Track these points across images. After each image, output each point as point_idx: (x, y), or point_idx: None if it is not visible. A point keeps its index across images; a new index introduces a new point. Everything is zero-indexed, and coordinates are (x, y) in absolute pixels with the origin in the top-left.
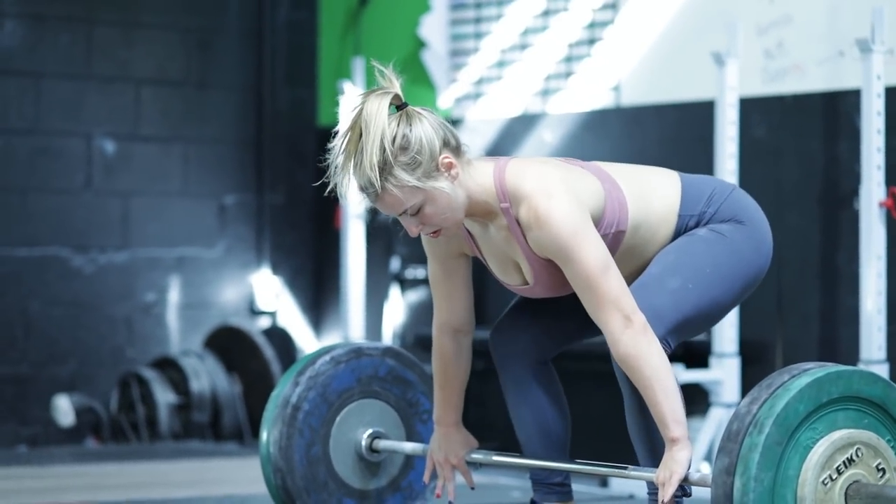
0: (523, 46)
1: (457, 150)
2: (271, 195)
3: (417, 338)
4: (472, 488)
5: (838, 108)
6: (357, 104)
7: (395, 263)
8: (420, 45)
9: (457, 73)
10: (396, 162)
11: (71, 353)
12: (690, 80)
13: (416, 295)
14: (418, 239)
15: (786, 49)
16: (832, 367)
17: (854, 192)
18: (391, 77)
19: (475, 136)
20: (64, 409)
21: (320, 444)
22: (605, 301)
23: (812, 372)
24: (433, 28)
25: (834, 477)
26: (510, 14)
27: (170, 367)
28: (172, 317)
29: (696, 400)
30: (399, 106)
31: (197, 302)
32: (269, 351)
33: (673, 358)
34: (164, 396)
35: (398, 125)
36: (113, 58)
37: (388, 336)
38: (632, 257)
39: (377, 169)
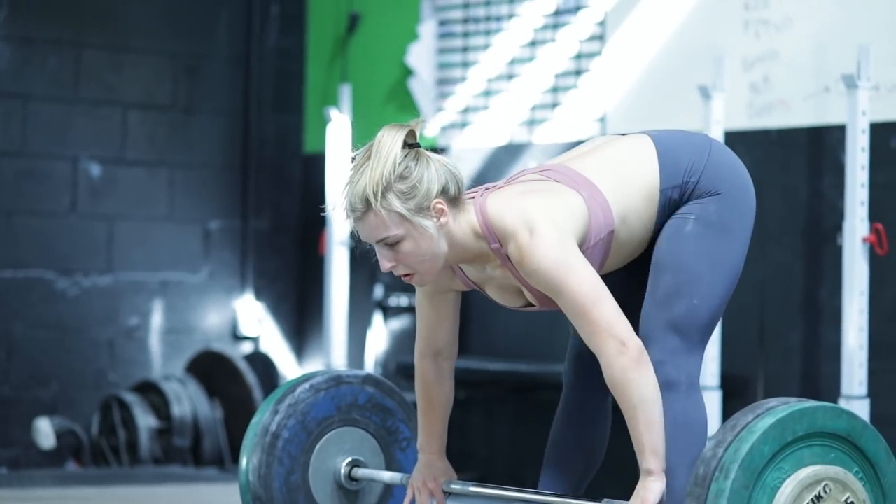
0: (510, 76)
1: (454, 200)
2: (256, 221)
3: (399, 365)
4: None
5: (823, 144)
6: (376, 135)
7: (378, 291)
8: (407, 72)
9: (443, 102)
10: (393, 187)
11: (53, 375)
12: (676, 112)
13: (398, 323)
14: None
15: (772, 84)
16: (796, 405)
17: (837, 227)
18: (417, 122)
19: (461, 165)
20: (45, 431)
21: (299, 473)
22: (598, 329)
23: (775, 411)
24: (420, 56)
25: None
26: (497, 44)
27: (151, 392)
28: (155, 341)
29: None
30: (412, 144)
31: (180, 326)
32: (251, 377)
33: None
34: (146, 421)
35: (405, 157)
36: (100, 81)
37: (370, 363)
38: (626, 243)
39: (373, 186)
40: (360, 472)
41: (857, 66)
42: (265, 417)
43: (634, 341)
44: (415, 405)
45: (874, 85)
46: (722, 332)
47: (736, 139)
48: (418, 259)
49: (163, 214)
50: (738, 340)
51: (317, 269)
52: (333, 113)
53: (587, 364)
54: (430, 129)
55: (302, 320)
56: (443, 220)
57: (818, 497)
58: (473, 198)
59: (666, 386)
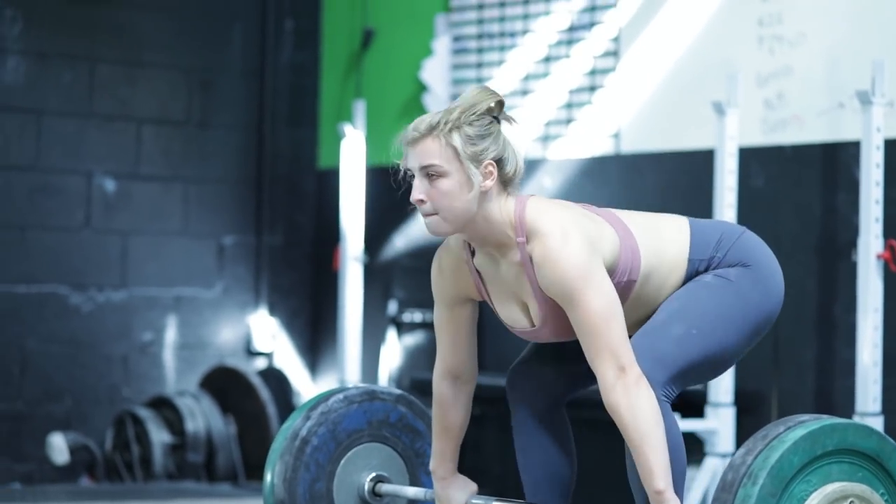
0: (524, 92)
1: (506, 177)
2: (270, 236)
3: (413, 381)
4: None
5: (837, 160)
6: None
7: (392, 306)
8: (421, 88)
9: None
10: (461, 129)
11: (67, 390)
12: (690, 128)
13: (412, 339)
14: (417, 283)
15: (786, 100)
16: (827, 420)
17: (852, 243)
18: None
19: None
20: (59, 447)
21: (325, 481)
22: (603, 348)
23: (807, 424)
24: (434, 72)
25: None
26: (512, 59)
27: (165, 407)
28: (169, 356)
29: (690, 450)
30: (494, 115)
31: (194, 342)
32: (264, 392)
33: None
34: (159, 436)
35: (484, 115)
36: (114, 96)
37: (384, 379)
38: (641, 305)
39: (444, 118)
40: (384, 488)
41: (871, 81)
42: (296, 423)
43: (635, 368)
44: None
45: (889, 101)
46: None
47: (750, 155)
48: (448, 202)
49: (177, 229)
50: (752, 357)
51: (331, 285)
52: (347, 128)
53: (527, 381)
54: None
55: (316, 336)
56: (487, 182)
57: None
58: (518, 195)
59: None
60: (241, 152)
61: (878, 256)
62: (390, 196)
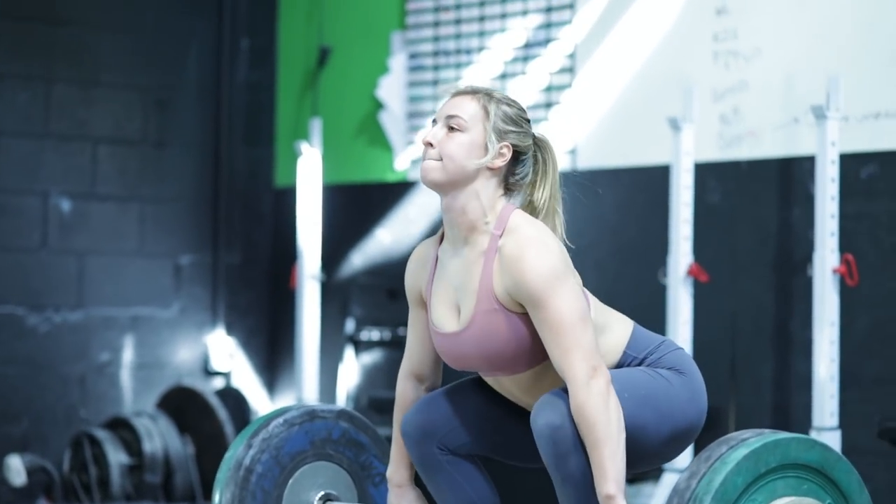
0: None
1: (514, 176)
2: (227, 255)
3: (371, 400)
4: None
5: (793, 175)
6: None
7: (350, 325)
8: (378, 105)
9: (413, 135)
10: (502, 106)
11: (24, 412)
12: (646, 144)
13: (370, 357)
14: (375, 301)
15: (741, 115)
16: (770, 436)
17: (808, 258)
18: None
19: (432, 198)
20: (16, 468)
21: None
22: (575, 348)
23: (749, 443)
24: (391, 89)
25: None
26: (468, 76)
27: (123, 428)
28: (126, 377)
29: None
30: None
31: (151, 362)
32: (222, 412)
33: None
34: (117, 457)
35: (526, 116)
36: (70, 116)
37: (342, 398)
38: (553, 376)
39: (496, 90)
40: None
41: (826, 96)
42: (239, 452)
43: (605, 371)
44: (388, 440)
45: (843, 116)
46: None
47: (706, 171)
48: (455, 153)
49: (134, 249)
50: (709, 372)
51: (288, 303)
52: (304, 146)
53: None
54: (400, 163)
55: (273, 355)
56: (497, 161)
57: None
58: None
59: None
60: (197, 171)
61: (834, 271)
62: (347, 214)
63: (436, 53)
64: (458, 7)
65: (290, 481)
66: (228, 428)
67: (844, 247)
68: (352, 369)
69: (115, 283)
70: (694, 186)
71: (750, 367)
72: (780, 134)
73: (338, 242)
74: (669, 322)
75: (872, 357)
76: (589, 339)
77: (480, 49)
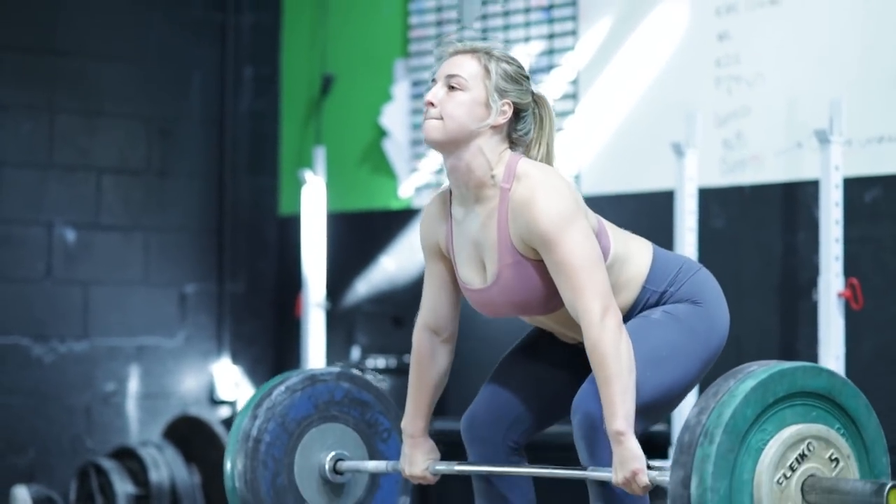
0: None
1: (516, 132)
2: (232, 284)
3: None
4: None
5: (797, 199)
6: None
7: (355, 353)
8: (381, 133)
9: (417, 162)
10: (502, 64)
11: (30, 442)
12: (650, 170)
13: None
14: (380, 329)
15: (745, 140)
16: (775, 367)
17: (813, 282)
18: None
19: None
20: (22, 499)
21: (285, 474)
22: (588, 288)
23: (756, 374)
24: (394, 117)
25: (788, 475)
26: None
27: (129, 458)
28: (132, 406)
29: (655, 492)
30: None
31: (157, 391)
32: None
33: None
34: (123, 487)
35: (525, 73)
36: (74, 146)
37: None
38: None
39: (495, 47)
40: (344, 465)
41: (829, 121)
42: (245, 423)
43: (619, 313)
44: (394, 397)
45: (847, 140)
46: (699, 387)
47: (710, 196)
48: (456, 112)
49: (138, 279)
50: None
51: (293, 332)
52: (308, 175)
53: (484, 424)
54: (404, 190)
55: None
56: (498, 118)
57: (802, 455)
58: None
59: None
60: (201, 200)
61: (839, 295)
62: (352, 242)
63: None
64: (460, 34)
65: (300, 446)
66: None
67: (849, 271)
68: None
69: (120, 312)
70: (698, 212)
71: None
72: (783, 158)
73: (342, 270)
74: None
75: (878, 380)
76: (601, 279)
77: None
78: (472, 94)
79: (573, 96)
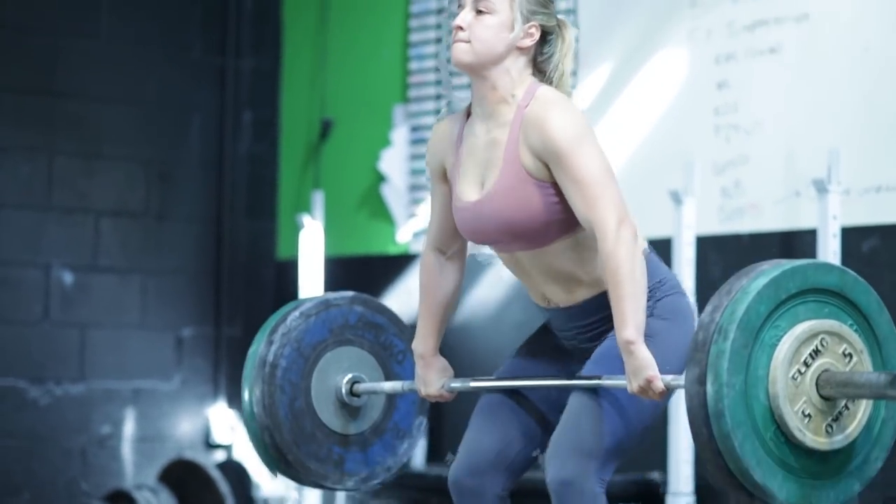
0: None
1: (541, 56)
2: (229, 328)
3: None
4: None
5: (794, 248)
6: None
7: None
8: (380, 178)
9: (416, 208)
10: None
11: (25, 485)
12: (648, 217)
13: None
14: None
15: (743, 188)
16: (787, 264)
17: None
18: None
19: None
20: None
21: (302, 398)
22: (604, 199)
23: (767, 272)
24: (393, 162)
25: (803, 370)
26: None
27: (124, 501)
28: (127, 449)
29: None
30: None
31: (152, 435)
32: (224, 485)
33: (628, 498)
34: None
35: None
36: (73, 188)
37: None
38: (566, 260)
39: None
40: (361, 387)
41: (827, 170)
42: (261, 349)
43: (632, 222)
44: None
45: (845, 189)
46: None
47: (707, 244)
48: (485, 35)
49: (135, 322)
50: None
51: None
52: (306, 219)
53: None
54: (402, 235)
55: None
56: (525, 41)
57: (816, 351)
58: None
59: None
60: (199, 243)
61: None
62: (349, 286)
63: None
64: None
65: (315, 370)
66: (230, 502)
67: None
68: None
69: (117, 355)
70: (695, 259)
71: None
72: (781, 207)
73: None
74: (673, 398)
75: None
76: (615, 191)
77: None
78: (500, 17)
79: None
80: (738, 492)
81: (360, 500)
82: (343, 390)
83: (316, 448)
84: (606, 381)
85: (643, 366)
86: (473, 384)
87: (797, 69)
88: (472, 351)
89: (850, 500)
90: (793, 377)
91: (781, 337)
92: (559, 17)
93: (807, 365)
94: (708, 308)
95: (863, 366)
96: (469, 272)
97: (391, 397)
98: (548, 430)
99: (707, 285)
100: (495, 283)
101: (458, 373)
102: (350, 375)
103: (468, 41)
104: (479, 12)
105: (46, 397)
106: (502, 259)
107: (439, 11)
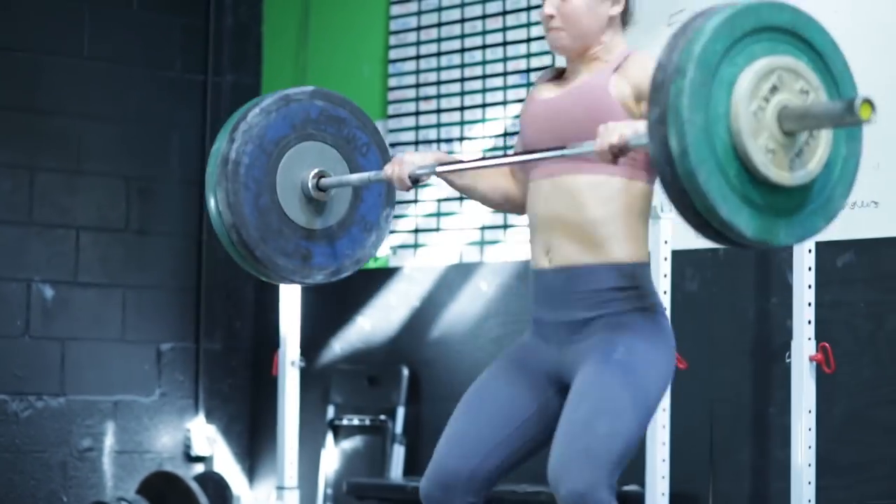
0: (461, 198)
1: (627, 14)
2: (208, 342)
3: (350, 485)
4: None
5: (770, 263)
6: None
7: (330, 411)
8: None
9: (395, 223)
10: None
11: (5, 497)
12: None
13: (350, 443)
14: (355, 387)
15: None
16: (741, 4)
17: (786, 346)
18: None
19: (412, 285)
20: None
21: (267, 194)
22: None
23: (722, 11)
24: None
25: (763, 106)
26: None
27: None
28: (108, 462)
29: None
30: None
31: (132, 448)
32: (203, 498)
33: None
34: None
35: None
36: (54, 204)
37: (322, 483)
38: (610, 203)
39: None
40: (327, 181)
41: None
42: (223, 146)
43: None
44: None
45: None
46: (671, 450)
47: (684, 258)
48: (577, 18)
49: (115, 336)
50: (687, 458)
51: (269, 390)
52: None
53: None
54: (381, 250)
55: (254, 440)
56: (615, 8)
57: (774, 87)
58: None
59: None
60: (179, 259)
61: (811, 359)
62: (328, 301)
63: (416, 143)
64: (438, 97)
65: (280, 166)
66: None
67: (821, 335)
68: (332, 455)
69: (97, 369)
70: (672, 275)
71: (728, 453)
72: None
73: (319, 330)
74: None
75: (849, 444)
76: None
77: (461, 138)
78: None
79: None
80: (706, 230)
81: None
82: (309, 185)
83: (283, 243)
84: (569, 152)
85: (620, 125)
86: (440, 169)
87: None
88: (451, 365)
89: (812, 235)
90: (754, 113)
91: (739, 73)
92: None
93: (766, 101)
94: (665, 50)
95: (820, 101)
96: (448, 284)
97: (357, 190)
98: (528, 439)
99: (683, 300)
100: (474, 297)
101: (436, 388)
102: (316, 170)
103: (562, 27)
104: None
105: (27, 411)
106: (531, 194)
107: (419, 28)
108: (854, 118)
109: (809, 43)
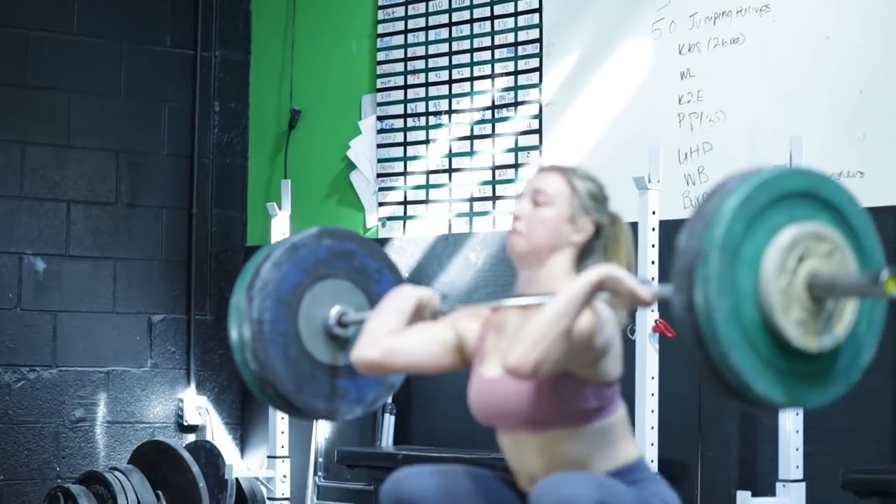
0: (450, 169)
1: (591, 251)
2: (199, 313)
3: (341, 454)
4: None
5: None
6: None
7: None
8: (349, 166)
9: (384, 195)
10: (587, 184)
11: None
12: (614, 203)
13: None
14: None
15: (707, 175)
16: (755, 179)
17: None
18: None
19: (402, 256)
20: None
21: (295, 345)
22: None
23: (738, 190)
24: (361, 151)
25: (792, 280)
26: (437, 137)
27: (97, 483)
28: (100, 432)
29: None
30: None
31: (124, 418)
32: (195, 467)
33: None
34: None
35: (607, 199)
36: (45, 178)
37: (313, 452)
38: (584, 446)
39: (580, 170)
40: (349, 318)
41: (789, 157)
42: (241, 306)
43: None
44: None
45: None
46: (660, 419)
47: (672, 228)
48: (541, 228)
49: (107, 308)
50: (676, 426)
51: None
52: (274, 207)
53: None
54: (370, 221)
55: (245, 410)
56: (577, 236)
57: (800, 259)
58: None
59: None
60: (170, 232)
61: None
62: None
63: (405, 115)
64: (426, 70)
65: (300, 314)
66: (201, 483)
67: None
68: (323, 424)
69: (89, 340)
70: (660, 245)
71: (716, 421)
72: None
73: None
74: (637, 378)
75: (836, 410)
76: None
77: (449, 110)
78: (557, 210)
79: (538, 131)
80: (739, 401)
81: (331, 476)
82: (331, 322)
83: (318, 387)
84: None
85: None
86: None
87: (759, 59)
88: (433, 419)
89: (843, 392)
90: (783, 290)
91: (763, 250)
92: (612, 212)
93: (794, 273)
94: (683, 236)
95: (846, 261)
96: (437, 255)
97: None
98: None
99: (671, 269)
100: (464, 267)
101: (419, 438)
102: (336, 309)
103: (523, 235)
104: (537, 204)
105: (20, 382)
106: (503, 444)
107: (407, 3)
108: (880, 291)
109: (827, 202)
